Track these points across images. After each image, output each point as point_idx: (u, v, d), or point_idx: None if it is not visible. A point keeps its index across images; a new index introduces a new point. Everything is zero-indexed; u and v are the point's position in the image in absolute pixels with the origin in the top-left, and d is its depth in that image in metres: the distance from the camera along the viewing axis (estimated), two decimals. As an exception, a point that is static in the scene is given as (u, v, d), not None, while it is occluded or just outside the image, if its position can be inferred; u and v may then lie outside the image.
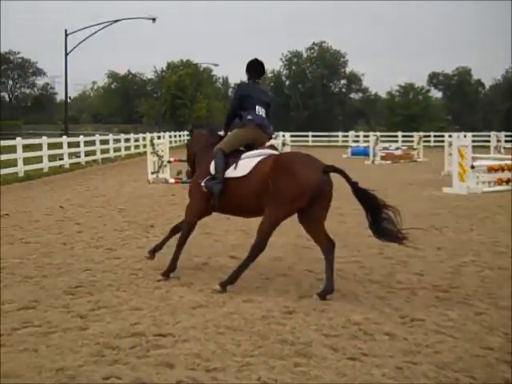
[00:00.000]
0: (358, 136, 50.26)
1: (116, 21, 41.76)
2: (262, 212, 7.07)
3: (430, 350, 5.09)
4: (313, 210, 7.06)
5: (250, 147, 7.42)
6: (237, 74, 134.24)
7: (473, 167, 17.16)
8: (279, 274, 7.63)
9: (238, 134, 7.54)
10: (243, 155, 7.25)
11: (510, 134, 47.22)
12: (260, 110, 7.54)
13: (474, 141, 20.41)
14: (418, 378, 4.53)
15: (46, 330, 5.50)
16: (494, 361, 4.84)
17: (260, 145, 7.49)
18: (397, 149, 35.39)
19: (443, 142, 27.98)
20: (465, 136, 18.27)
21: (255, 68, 7.78)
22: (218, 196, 7.21)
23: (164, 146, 21.20)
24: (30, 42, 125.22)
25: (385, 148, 34.25)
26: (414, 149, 35.52)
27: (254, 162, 7.08)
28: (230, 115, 7.77)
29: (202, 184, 7.26)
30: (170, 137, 48.41)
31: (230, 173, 7.16)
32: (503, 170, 17.64)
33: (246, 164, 7.11)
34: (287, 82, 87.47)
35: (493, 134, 37.91)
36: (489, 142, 37.91)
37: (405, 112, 75.88)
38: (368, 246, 9.44)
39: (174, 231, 8.04)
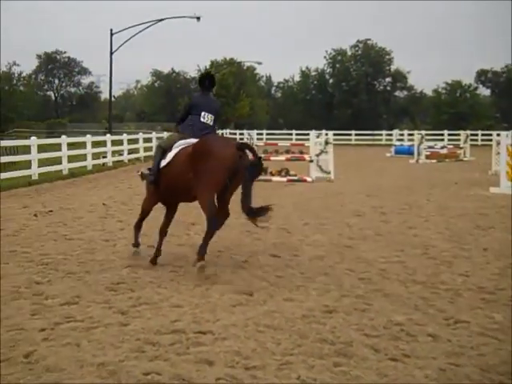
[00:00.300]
0: (402, 135, 49.61)
1: (160, 20, 42.07)
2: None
3: (474, 352, 4.98)
4: (231, 183, 7.84)
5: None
6: (280, 72, 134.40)
7: (521, 166, 16.74)
8: (320, 273, 7.56)
9: (172, 136, 8.74)
10: (173, 147, 8.24)
11: (560, 132, 46.03)
12: (206, 116, 8.40)
13: (522, 139, 19.88)
14: (461, 381, 4.43)
15: (88, 325, 5.57)
16: (542, 365, 4.70)
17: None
18: (442, 147, 34.76)
19: (491, 140, 27.46)
20: (513, 134, 17.78)
21: (205, 81, 8.69)
22: (152, 185, 8.53)
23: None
24: (76, 41, 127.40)
25: (430, 147, 33.69)
26: (461, 147, 34.85)
27: (175, 151, 8.08)
28: (178, 119, 8.83)
29: (138, 173, 8.62)
30: (213, 135, 48.60)
31: (162, 164, 8.25)
32: (553, 169, 17.14)
33: (170, 154, 8.15)
34: (331, 80, 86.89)
35: (543, 132, 36.94)
36: (538, 140, 36.94)
37: (451, 110, 74.46)
38: (412, 245, 9.30)
39: (162, 233, 8.73)
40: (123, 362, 4.71)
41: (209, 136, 8.13)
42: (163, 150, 8.37)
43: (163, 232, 8.71)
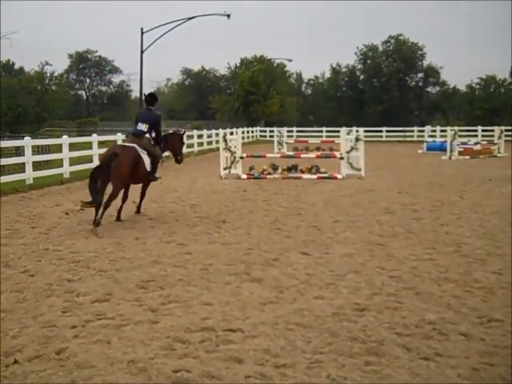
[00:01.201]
0: (434, 131, 49.00)
1: (191, 18, 42.24)
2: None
3: (507, 351, 4.89)
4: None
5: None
6: (311, 69, 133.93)
7: (556, 162, 16.42)
8: (351, 271, 7.51)
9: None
10: None
11: None
12: (140, 125, 11.81)
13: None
14: (495, 380, 4.36)
15: (119, 323, 5.61)
16: None
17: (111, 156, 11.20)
18: (476, 143, 34.24)
19: (525, 136, 26.92)
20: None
21: (147, 99, 12.29)
22: None
23: (236, 142, 21.30)
24: (108, 40, 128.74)
25: (463, 143, 33.23)
26: (495, 144, 34.31)
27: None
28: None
29: None
30: (243, 133, 48.77)
31: None
32: None
33: None
34: (361, 77, 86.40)
35: None
36: None
37: (485, 105, 73.35)
38: (444, 243, 9.19)
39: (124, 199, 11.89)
40: (153, 360, 4.73)
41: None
42: None
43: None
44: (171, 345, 5.05)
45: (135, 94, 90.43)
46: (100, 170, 10.91)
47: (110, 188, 11.12)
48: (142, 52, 40.82)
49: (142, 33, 40.42)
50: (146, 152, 11.63)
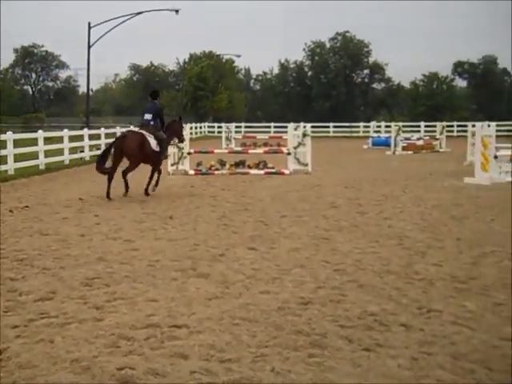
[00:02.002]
0: (379, 126, 49.82)
1: (139, 13, 41.87)
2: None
3: (446, 340, 5.04)
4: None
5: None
6: (259, 65, 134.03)
7: (496, 157, 16.96)
8: (296, 265, 7.60)
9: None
10: None
11: (535, 123, 46.59)
12: (147, 115, 14.51)
13: (497, 130, 20.12)
14: (434, 369, 4.48)
15: (63, 321, 5.54)
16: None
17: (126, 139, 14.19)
18: (419, 139, 35.08)
19: (466, 131, 27.71)
20: (488, 126, 18.03)
21: (151, 94, 15.18)
22: None
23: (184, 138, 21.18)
24: (54, 35, 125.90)
25: (406, 138, 33.97)
26: (437, 139, 35.16)
27: None
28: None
29: None
30: (191, 128, 48.54)
31: None
32: (526, 159, 17.40)
33: None
34: (309, 73, 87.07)
35: (517, 123, 37.41)
36: (513, 131, 37.42)
37: (428, 102, 75.07)
38: (387, 236, 9.39)
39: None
40: (97, 358, 4.69)
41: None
42: None
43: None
44: (116, 342, 5.02)
45: (83, 89, 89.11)
46: (110, 150, 14.12)
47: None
48: (89, 47, 40.23)
49: (90, 27, 39.84)
50: (152, 136, 14.24)
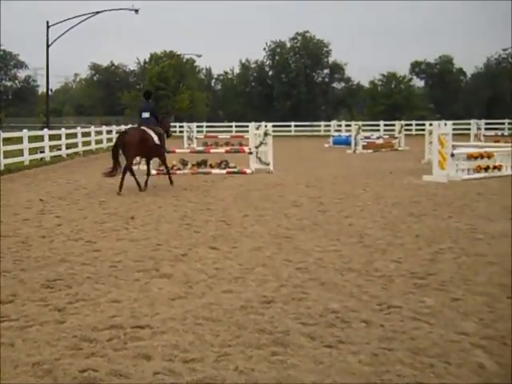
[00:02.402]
0: (340, 125, 50.23)
1: (98, 12, 41.44)
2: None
3: (405, 336, 5.14)
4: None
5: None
6: (220, 65, 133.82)
7: (453, 155, 17.29)
8: (259, 264, 7.65)
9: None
10: None
11: (490, 121, 47.59)
12: (144, 114, 16.15)
13: (454, 129, 20.52)
14: (394, 364, 4.57)
15: (23, 324, 5.48)
16: (469, 346, 4.90)
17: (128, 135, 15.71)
18: (378, 138, 35.60)
19: (424, 130, 28.14)
20: (445, 124, 18.36)
21: (145, 95, 17.07)
22: None
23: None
24: (12, 34, 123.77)
25: (366, 137, 34.40)
26: (396, 138, 35.67)
27: None
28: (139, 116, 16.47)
29: None
30: (153, 128, 48.16)
31: None
32: (482, 157, 17.81)
33: None
34: (270, 73, 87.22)
35: (473, 121, 38.16)
36: (469, 129, 38.16)
37: (387, 101, 75.93)
38: (348, 234, 9.51)
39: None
40: (59, 361, 4.66)
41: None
42: None
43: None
44: (78, 344, 5.00)
45: (42, 89, 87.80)
46: (115, 146, 15.60)
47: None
48: (47, 46, 39.64)
49: (48, 26, 39.26)
50: (152, 131, 15.73)
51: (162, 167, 20.41)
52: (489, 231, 9.58)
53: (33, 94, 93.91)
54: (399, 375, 4.38)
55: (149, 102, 16.70)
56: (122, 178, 15.11)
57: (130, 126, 29.10)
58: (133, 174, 15.62)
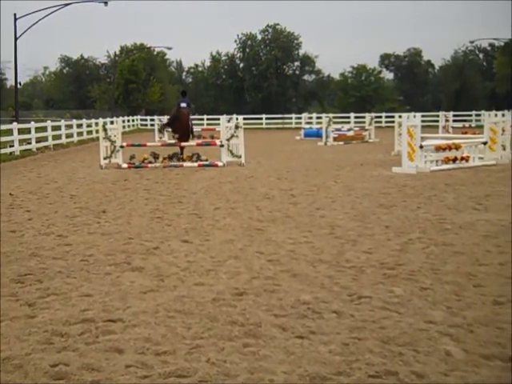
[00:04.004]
0: (310, 118, 50.37)
1: (67, 4, 40.94)
2: None
3: (375, 325, 5.22)
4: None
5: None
6: (191, 58, 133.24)
7: (421, 147, 17.49)
8: (231, 257, 7.68)
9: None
10: None
11: (458, 113, 48.19)
12: (182, 104, 21.94)
13: (423, 121, 20.82)
14: (364, 353, 4.64)
15: (-7, 320, 5.44)
16: (437, 334, 4.99)
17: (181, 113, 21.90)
18: (349, 130, 35.81)
19: (394, 122, 28.41)
20: (414, 116, 18.57)
21: (183, 93, 23.77)
22: None
23: (116, 131, 21.03)
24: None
25: (337, 129, 34.58)
26: (366, 130, 35.92)
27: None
28: (174, 107, 23.16)
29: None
30: (124, 122, 47.91)
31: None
32: (450, 148, 18.05)
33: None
34: (241, 65, 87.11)
35: (441, 113, 38.64)
36: (437, 121, 38.63)
37: (357, 93, 76.62)
38: (319, 226, 9.58)
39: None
40: (30, 355, 4.64)
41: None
42: None
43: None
44: (49, 339, 4.98)
45: (10, 82, 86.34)
46: (171, 121, 22.52)
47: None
48: (15, 39, 39.06)
49: (16, 19, 38.67)
50: (188, 115, 22.22)
51: (133, 161, 20.39)
52: (456, 221, 9.74)
53: (1, 87, 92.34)
54: (369, 364, 4.45)
55: (186, 98, 22.90)
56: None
57: (100, 119, 28.97)
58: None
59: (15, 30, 38.89)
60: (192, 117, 24.57)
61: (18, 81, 45.49)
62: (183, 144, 21.63)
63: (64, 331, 5.14)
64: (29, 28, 39.25)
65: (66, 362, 4.52)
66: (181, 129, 21.65)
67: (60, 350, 4.76)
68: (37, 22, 39.38)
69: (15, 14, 38.71)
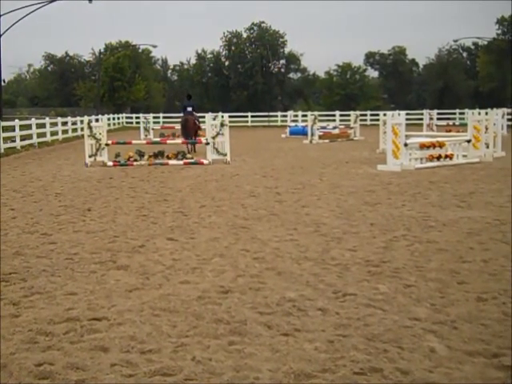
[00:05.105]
0: (296, 116, 50.35)
1: (52, 1, 40.62)
2: None
3: (360, 322, 5.24)
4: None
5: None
6: (176, 55, 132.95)
7: (406, 145, 17.59)
8: (216, 255, 7.68)
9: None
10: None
11: (442, 111, 48.47)
12: (188, 108, 25.25)
13: (407, 119, 20.89)
14: (348, 350, 4.66)
15: (-23, 319, 5.40)
16: (421, 331, 5.02)
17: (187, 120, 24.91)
18: (334, 128, 35.93)
19: (379, 120, 28.52)
20: (399, 114, 18.66)
21: (188, 96, 26.51)
22: None
23: (101, 129, 20.95)
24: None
25: (322, 127, 34.68)
26: (351, 128, 36.04)
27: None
28: (182, 111, 26.72)
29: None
30: (109, 119, 47.68)
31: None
32: (434, 146, 18.17)
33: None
34: (227, 63, 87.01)
35: (425, 111, 38.83)
36: (422, 119, 38.83)
37: (343, 91, 76.82)
38: (304, 224, 9.60)
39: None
40: (14, 355, 4.61)
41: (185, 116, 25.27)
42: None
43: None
44: (34, 338, 4.95)
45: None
46: (183, 127, 25.09)
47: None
48: (-1, 36, 38.68)
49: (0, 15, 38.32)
50: (194, 118, 25.14)
51: (119, 158, 20.32)
52: (440, 219, 9.81)
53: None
54: (353, 361, 4.47)
55: (191, 101, 25.71)
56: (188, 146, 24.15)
57: (85, 117, 28.98)
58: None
59: (-1, 28, 38.58)
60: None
61: (2, 78, 45.17)
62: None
63: (48, 330, 5.11)
64: (13, 25, 38.94)
65: (51, 361, 4.50)
66: (190, 133, 24.67)
67: (45, 349, 4.74)
68: (21, 18, 39.07)
69: (-2, 11, 38.46)
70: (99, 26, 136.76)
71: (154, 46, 68.12)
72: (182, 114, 27.02)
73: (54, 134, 34.97)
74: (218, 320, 5.35)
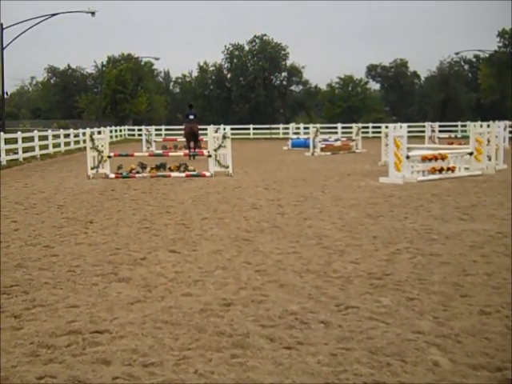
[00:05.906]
0: (298, 128, 50.39)
1: (54, 14, 40.90)
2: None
3: (363, 336, 5.22)
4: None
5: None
6: (178, 68, 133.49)
7: (408, 157, 17.59)
8: (218, 267, 7.67)
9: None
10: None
11: (444, 124, 48.52)
12: (191, 116, 28.07)
13: (409, 131, 20.93)
14: (351, 364, 4.64)
15: (-21, 332, 5.39)
16: (424, 344, 5.01)
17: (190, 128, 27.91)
18: (336, 140, 35.95)
19: (380, 132, 28.56)
20: (400, 127, 18.67)
21: (190, 106, 29.69)
22: None
23: (104, 141, 20.99)
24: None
25: (324, 139, 34.72)
26: (353, 140, 36.06)
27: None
28: (183, 120, 30.22)
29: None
30: (111, 132, 47.79)
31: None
32: (436, 159, 18.16)
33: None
34: (229, 75, 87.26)
35: (427, 124, 38.90)
36: (424, 132, 38.88)
37: (344, 104, 76.96)
38: (307, 236, 9.59)
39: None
40: (16, 368, 4.60)
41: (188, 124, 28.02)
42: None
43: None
44: (35, 351, 4.94)
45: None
46: (188, 135, 27.67)
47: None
48: (2, 49, 38.95)
49: (3, 28, 38.60)
50: (196, 126, 27.85)
51: (121, 171, 20.36)
52: (443, 231, 9.79)
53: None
54: (356, 374, 4.46)
55: (193, 110, 28.64)
56: (189, 149, 26.90)
57: (88, 129, 29.11)
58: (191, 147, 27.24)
59: (2, 40, 38.83)
60: (181, 127, 29.72)
61: (5, 91, 45.40)
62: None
63: (50, 343, 5.10)
64: (16, 38, 39.20)
65: (53, 374, 4.49)
66: (196, 136, 28.06)
67: (46, 362, 4.73)
68: (24, 31, 39.37)
69: (2, 24, 38.68)
70: (101, 38, 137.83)
71: (157, 59, 68.33)
72: (183, 126, 29.24)
73: (56, 146, 35.02)
74: (221, 333, 5.34)
